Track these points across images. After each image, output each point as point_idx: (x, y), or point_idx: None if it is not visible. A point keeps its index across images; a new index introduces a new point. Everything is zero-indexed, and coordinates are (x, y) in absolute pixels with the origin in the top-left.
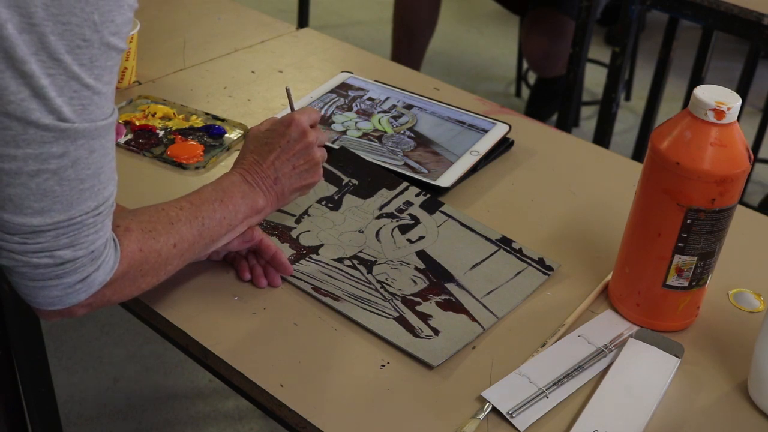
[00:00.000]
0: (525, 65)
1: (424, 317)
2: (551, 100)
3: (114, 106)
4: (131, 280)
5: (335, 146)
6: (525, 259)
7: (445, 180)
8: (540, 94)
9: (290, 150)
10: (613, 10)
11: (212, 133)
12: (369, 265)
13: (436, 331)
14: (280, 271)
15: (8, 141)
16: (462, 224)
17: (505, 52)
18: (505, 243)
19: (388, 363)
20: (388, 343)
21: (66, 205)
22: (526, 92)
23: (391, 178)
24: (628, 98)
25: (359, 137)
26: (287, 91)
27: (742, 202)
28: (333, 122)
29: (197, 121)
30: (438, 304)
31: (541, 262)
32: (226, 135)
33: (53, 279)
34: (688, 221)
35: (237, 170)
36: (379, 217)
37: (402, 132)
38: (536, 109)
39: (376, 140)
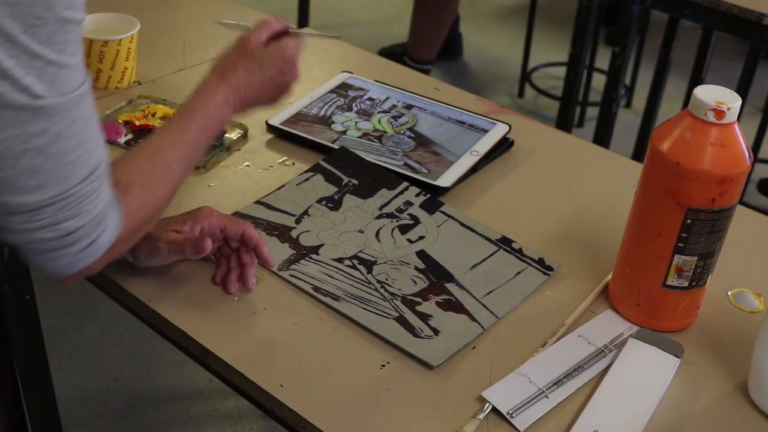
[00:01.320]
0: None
1: (424, 317)
2: None
3: (85, 75)
4: (138, 231)
5: (335, 146)
6: (525, 259)
7: (445, 180)
8: None
9: (280, 85)
10: (613, 10)
11: None
12: (369, 265)
13: (436, 331)
14: (261, 262)
15: None
16: (462, 224)
17: (506, 53)
18: (505, 243)
19: (388, 363)
20: (388, 343)
21: (58, 178)
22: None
23: (391, 178)
24: (628, 105)
25: (359, 137)
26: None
27: (742, 202)
28: (333, 122)
29: None
30: (438, 304)
31: (541, 262)
32: (226, 135)
33: (61, 249)
34: (688, 221)
35: (223, 89)
36: (379, 217)
37: (402, 132)
38: None
39: (376, 140)
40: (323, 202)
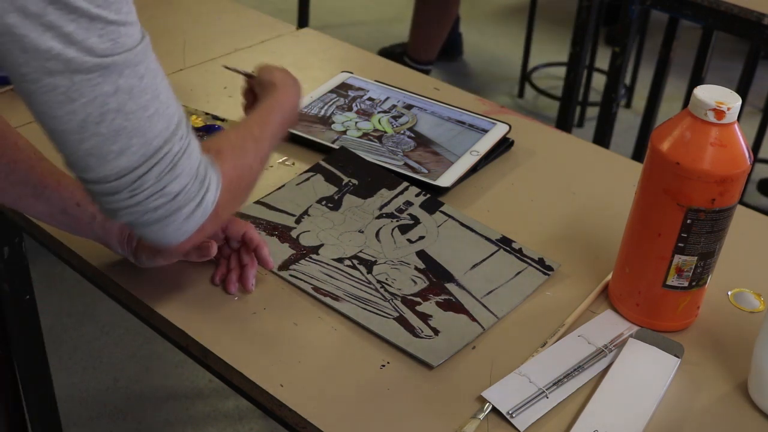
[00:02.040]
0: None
1: (424, 317)
2: None
3: (143, 31)
4: (234, 196)
5: (335, 146)
6: (525, 259)
7: (445, 180)
8: None
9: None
10: (613, 10)
11: (212, 133)
12: (369, 265)
13: (436, 331)
14: (261, 263)
15: (62, 101)
16: (462, 224)
17: (506, 53)
18: (505, 243)
19: (388, 363)
20: (388, 343)
21: (141, 136)
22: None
23: (391, 178)
24: (628, 105)
25: (359, 137)
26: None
27: (742, 202)
28: (333, 122)
29: (197, 121)
30: (438, 304)
31: (541, 262)
32: None
33: (173, 214)
34: (688, 221)
35: (296, 93)
36: (379, 217)
37: (402, 132)
38: None
39: (376, 140)
40: (323, 202)
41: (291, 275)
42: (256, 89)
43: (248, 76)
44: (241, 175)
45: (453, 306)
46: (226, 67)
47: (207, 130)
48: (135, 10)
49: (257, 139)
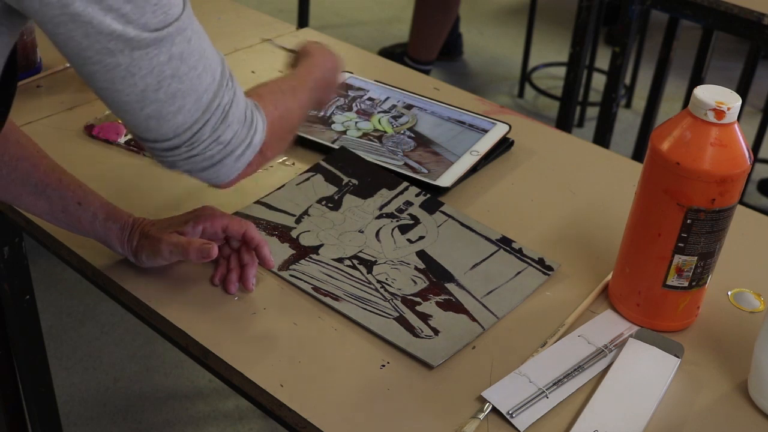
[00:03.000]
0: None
1: (424, 317)
2: None
3: None
4: (279, 136)
5: (335, 146)
6: (525, 259)
7: (445, 180)
8: None
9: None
10: (613, 10)
11: None
12: (369, 265)
13: (436, 331)
14: (261, 263)
15: (123, 76)
16: (462, 224)
17: (506, 53)
18: (505, 243)
19: (388, 363)
20: (388, 343)
21: (194, 93)
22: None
23: (391, 178)
24: (628, 105)
25: (359, 137)
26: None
27: (742, 202)
28: (333, 122)
29: None
30: (438, 304)
31: (541, 262)
32: None
33: (227, 157)
34: (688, 221)
35: (315, 72)
36: (379, 217)
37: (402, 132)
38: None
39: (376, 140)
40: (323, 202)
41: (291, 275)
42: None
43: (291, 52)
44: (283, 115)
45: (453, 306)
46: (273, 44)
47: None
48: None
49: (295, 89)
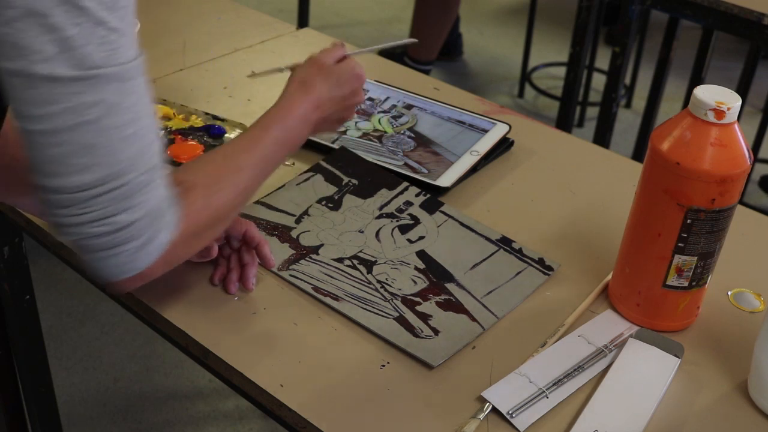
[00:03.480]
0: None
1: (424, 317)
2: None
3: (140, 49)
4: (200, 235)
5: (335, 146)
6: (525, 259)
7: (445, 180)
8: None
9: (349, 105)
10: (613, 10)
11: (212, 133)
12: (369, 265)
13: (436, 331)
14: (262, 262)
15: (41, 101)
16: (462, 224)
17: (506, 53)
18: (505, 243)
19: (388, 363)
20: (388, 343)
21: (110, 156)
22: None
23: (391, 178)
24: (628, 105)
25: (359, 137)
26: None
27: (742, 202)
28: None
29: (197, 121)
30: (438, 304)
31: (541, 262)
32: (226, 135)
33: (116, 247)
34: (688, 221)
35: (305, 104)
36: (379, 217)
37: (402, 132)
38: None
39: (376, 140)
40: (323, 202)
41: (291, 275)
42: None
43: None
44: (211, 212)
45: (453, 306)
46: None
47: (207, 130)
48: (134, 25)
49: (241, 169)
